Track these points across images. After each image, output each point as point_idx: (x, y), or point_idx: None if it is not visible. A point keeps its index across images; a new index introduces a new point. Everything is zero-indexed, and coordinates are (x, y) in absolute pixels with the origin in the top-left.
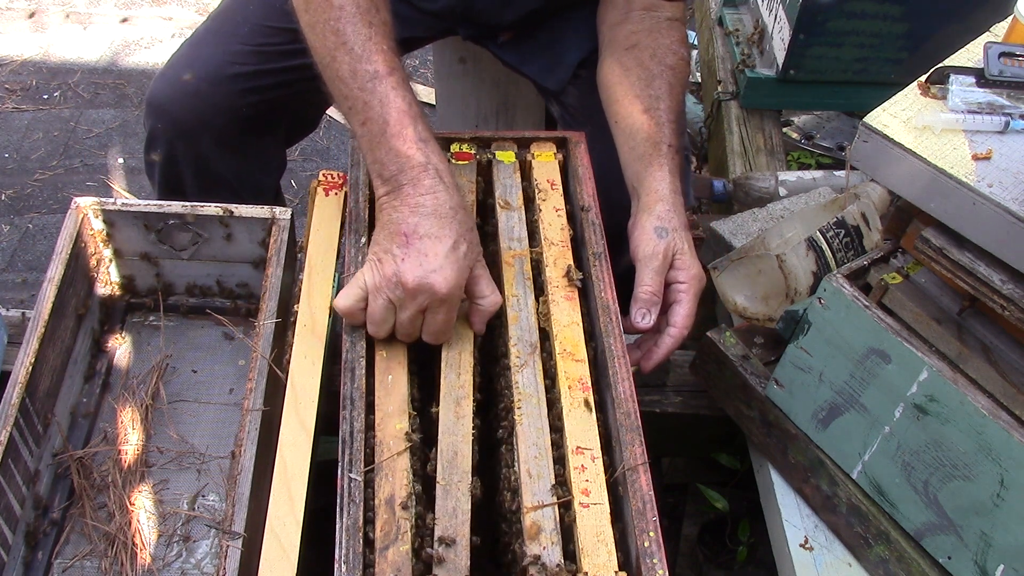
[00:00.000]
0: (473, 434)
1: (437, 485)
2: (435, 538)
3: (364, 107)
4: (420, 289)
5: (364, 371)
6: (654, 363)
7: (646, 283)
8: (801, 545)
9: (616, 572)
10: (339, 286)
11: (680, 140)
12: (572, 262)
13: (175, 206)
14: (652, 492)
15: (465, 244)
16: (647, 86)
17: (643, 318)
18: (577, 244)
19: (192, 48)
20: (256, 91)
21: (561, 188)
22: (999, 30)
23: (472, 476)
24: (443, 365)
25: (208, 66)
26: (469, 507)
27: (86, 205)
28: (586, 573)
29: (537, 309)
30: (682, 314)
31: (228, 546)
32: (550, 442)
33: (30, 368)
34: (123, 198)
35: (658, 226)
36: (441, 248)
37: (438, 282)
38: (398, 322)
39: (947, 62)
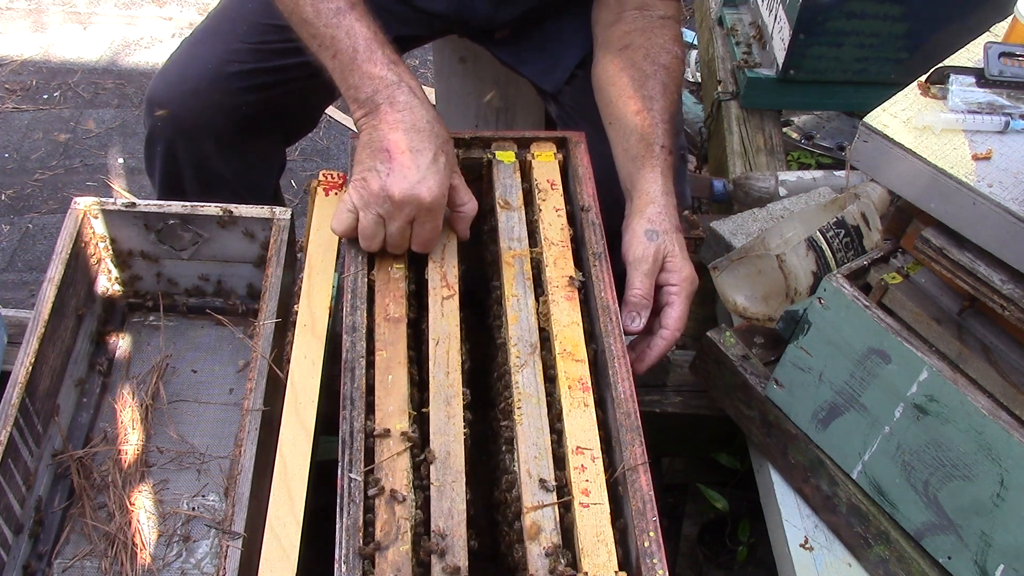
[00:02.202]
0: (465, 433)
1: (431, 486)
2: (431, 540)
3: (332, 41)
4: (407, 201)
5: (364, 371)
6: (647, 365)
7: (636, 286)
8: (801, 545)
9: (616, 572)
10: (339, 286)
11: (674, 141)
12: (572, 262)
13: (175, 206)
14: (652, 492)
15: (444, 156)
16: (641, 86)
17: (633, 321)
18: (577, 244)
19: (191, 47)
20: (255, 89)
21: (561, 188)
22: (999, 30)
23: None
24: (430, 364)
25: (207, 64)
26: (464, 507)
27: (86, 205)
28: (586, 573)
29: (537, 309)
30: (674, 316)
31: (228, 546)
32: (550, 442)
33: (30, 368)
34: (123, 198)
35: (648, 229)
36: (423, 160)
37: (423, 193)
38: (388, 234)
39: (947, 62)
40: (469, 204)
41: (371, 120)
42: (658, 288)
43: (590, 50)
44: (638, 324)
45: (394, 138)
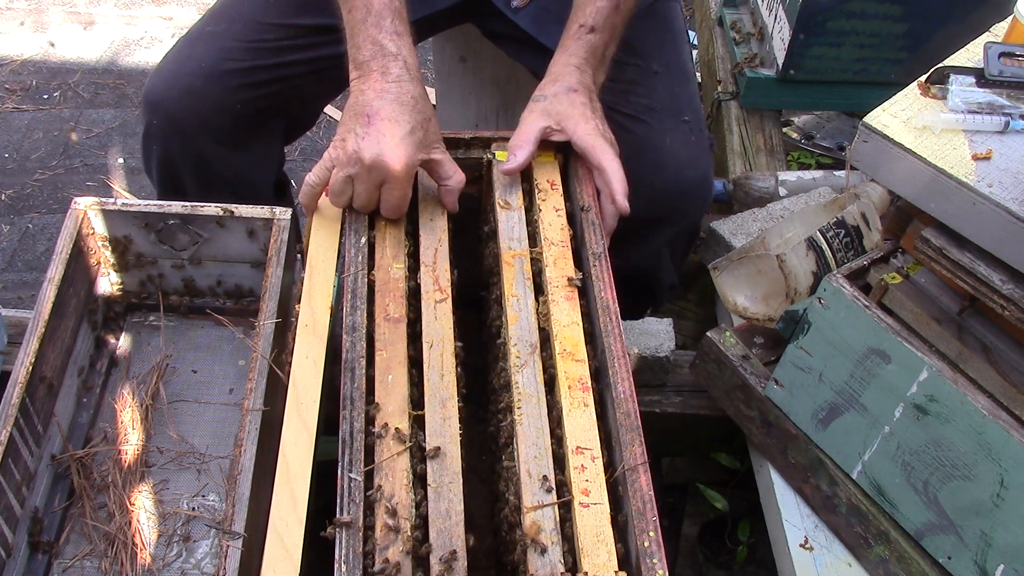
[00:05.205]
0: (460, 434)
1: (428, 488)
2: (430, 539)
3: None
4: (374, 166)
5: (364, 371)
6: (608, 231)
7: (517, 133)
8: (801, 545)
9: (616, 572)
10: (339, 286)
11: (603, 21)
12: (572, 262)
13: (175, 206)
14: (652, 492)
15: (421, 131)
16: None
17: (511, 162)
18: (577, 244)
19: (187, 45)
20: (252, 87)
21: (561, 188)
22: (999, 30)
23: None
24: (425, 367)
25: (203, 63)
26: (462, 507)
27: (86, 205)
28: (586, 573)
29: (537, 309)
30: (609, 175)
31: (228, 546)
32: (550, 442)
33: (30, 368)
34: (123, 198)
35: (536, 95)
36: (399, 131)
37: (391, 161)
38: (355, 193)
39: (947, 62)
40: (455, 177)
41: (361, 84)
42: (590, 168)
43: None
44: (513, 164)
45: (377, 105)
